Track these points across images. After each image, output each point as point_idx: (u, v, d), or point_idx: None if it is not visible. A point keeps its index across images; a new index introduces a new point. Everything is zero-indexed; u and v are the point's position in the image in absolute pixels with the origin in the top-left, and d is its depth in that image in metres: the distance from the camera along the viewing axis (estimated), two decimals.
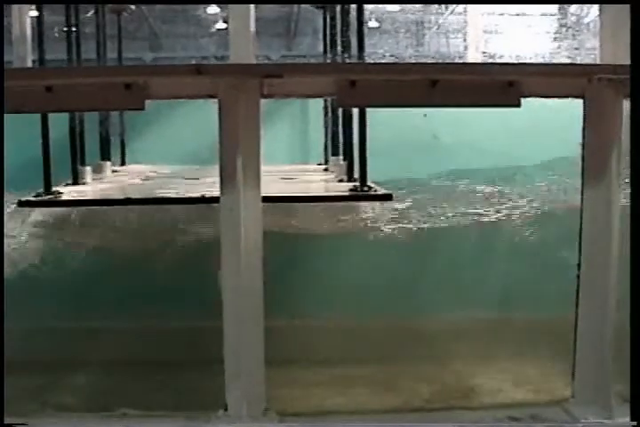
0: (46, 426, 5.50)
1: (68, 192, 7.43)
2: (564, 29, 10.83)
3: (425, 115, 8.34)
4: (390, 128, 8.66)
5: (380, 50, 12.67)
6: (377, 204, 8.60)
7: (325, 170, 9.75)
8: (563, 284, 6.06)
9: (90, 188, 8.08)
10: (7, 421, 4.87)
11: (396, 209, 9.03)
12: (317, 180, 8.68)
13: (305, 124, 13.05)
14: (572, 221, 5.82)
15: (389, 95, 5.42)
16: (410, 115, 6.68)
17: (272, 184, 7.08)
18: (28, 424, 5.23)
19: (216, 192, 5.53)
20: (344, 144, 8.27)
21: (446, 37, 17.73)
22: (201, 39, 17.69)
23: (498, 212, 9.33)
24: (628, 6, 5.26)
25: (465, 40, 10.89)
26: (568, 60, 10.41)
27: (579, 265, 5.71)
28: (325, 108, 9.92)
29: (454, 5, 15.29)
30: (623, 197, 5.56)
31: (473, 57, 10.03)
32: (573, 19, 10.98)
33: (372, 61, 8.38)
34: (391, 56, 12.57)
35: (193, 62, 5.87)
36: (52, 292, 8.63)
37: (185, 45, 18.75)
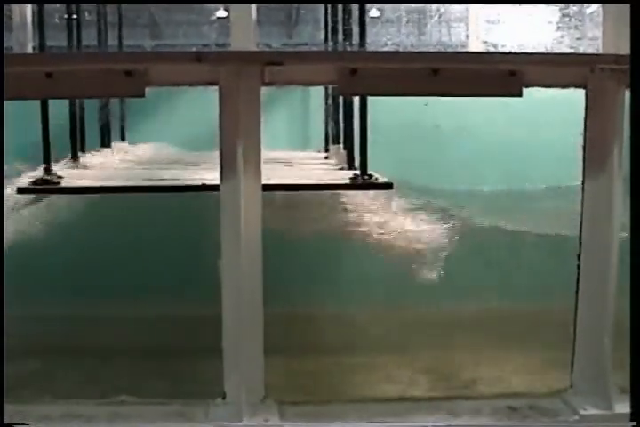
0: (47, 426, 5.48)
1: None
2: (566, 19, 10.79)
3: (426, 104, 8.32)
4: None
5: (381, 38, 12.64)
6: None
7: (326, 158, 9.74)
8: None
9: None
10: (7, 420, 4.87)
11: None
12: (317, 168, 8.67)
13: (305, 111, 13.03)
14: None
15: (390, 84, 5.40)
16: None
17: (273, 172, 7.05)
18: (29, 424, 5.23)
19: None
20: (345, 132, 8.25)
21: (448, 26, 17.67)
22: (202, 27, 17.62)
23: None
24: None
25: (467, 29, 10.85)
26: (570, 50, 10.38)
27: (579, 256, 5.70)
28: (326, 96, 9.90)
29: None
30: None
31: (475, 46, 10.00)
32: (576, 8, 10.92)
33: (374, 50, 8.36)
34: (393, 45, 12.54)
35: (193, 50, 5.85)
36: (49, 278, 8.63)
37: (186, 33, 18.68)
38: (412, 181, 9.19)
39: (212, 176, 6.06)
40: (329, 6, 9.06)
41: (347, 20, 7.72)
